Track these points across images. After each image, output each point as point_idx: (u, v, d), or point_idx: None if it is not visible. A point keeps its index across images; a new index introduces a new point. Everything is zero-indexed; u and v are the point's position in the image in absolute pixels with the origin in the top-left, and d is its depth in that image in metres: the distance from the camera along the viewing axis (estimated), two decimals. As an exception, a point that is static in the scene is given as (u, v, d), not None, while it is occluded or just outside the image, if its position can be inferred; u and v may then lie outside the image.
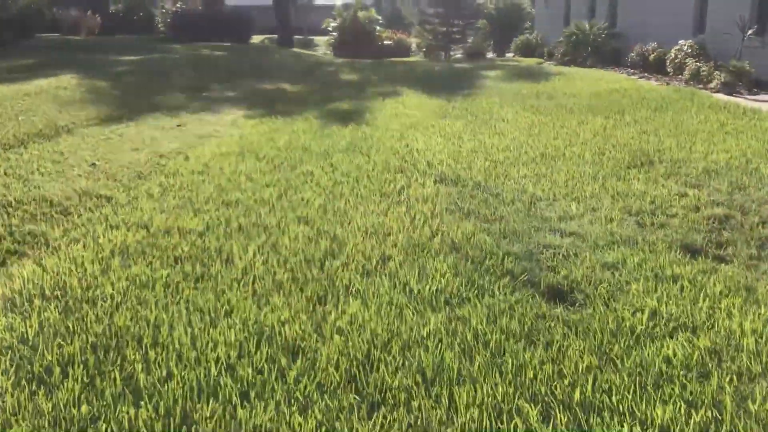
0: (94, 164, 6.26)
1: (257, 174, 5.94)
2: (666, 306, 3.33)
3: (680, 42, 15.78)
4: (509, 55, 30.47)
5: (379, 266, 3.85)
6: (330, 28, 32.11)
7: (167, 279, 3.63)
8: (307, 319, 3.19)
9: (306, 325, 3.13)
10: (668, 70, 15.81)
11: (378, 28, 31.39)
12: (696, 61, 14.48)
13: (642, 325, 3.15)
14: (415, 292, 3.49)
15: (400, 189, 5.49)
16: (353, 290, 3.53)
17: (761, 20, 13.45)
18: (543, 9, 30.04)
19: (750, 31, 13.01)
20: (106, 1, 32.09)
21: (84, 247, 4.14)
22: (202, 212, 4.81)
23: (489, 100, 11.18)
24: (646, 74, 16.40)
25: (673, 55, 15.74)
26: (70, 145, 7.13)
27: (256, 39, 32.28)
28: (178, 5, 29.33)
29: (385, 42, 31.53)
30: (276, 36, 31.97)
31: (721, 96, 11.85)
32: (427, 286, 3.54)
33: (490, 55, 29.48)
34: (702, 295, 3.45)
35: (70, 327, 3.10)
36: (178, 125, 8.48)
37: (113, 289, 3.50)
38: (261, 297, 3.44)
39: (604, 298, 3.45)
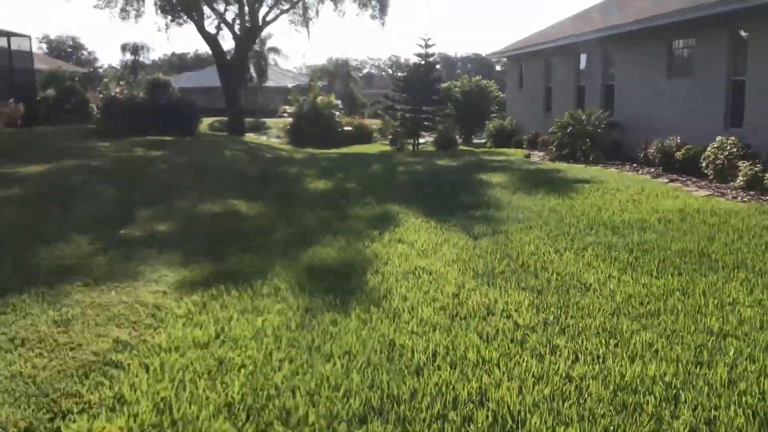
0: None
1: None
2: None
3: (718, 138, 13.13)
4: (478, 141, 27.98)
5: None
6: (286, 114, 29.69)
7: None
8: None
9: None
10: (706, 172, 13.06)
11: (337, 114, 28.91)
12: (751, 165, 11.75)
13: None
14: None
15: None
16: None
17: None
18: (516, 93, 27.73)
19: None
20: (35, 87, 28.63)
21: None
22: None
23: (527, 233, 7.99)
24: (675, 176, 13.63)
25: (710, 154, 13.03)
26: None
27: (205, 122, 29.03)
28: (116, 90, 25.97)
29: (345, 128, 28.88)
30: (226, 118, 29.06)
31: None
32: None
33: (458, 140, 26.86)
34: None
35: None
36: (58, 328, 4.91)
37: None
38: None
39: None
